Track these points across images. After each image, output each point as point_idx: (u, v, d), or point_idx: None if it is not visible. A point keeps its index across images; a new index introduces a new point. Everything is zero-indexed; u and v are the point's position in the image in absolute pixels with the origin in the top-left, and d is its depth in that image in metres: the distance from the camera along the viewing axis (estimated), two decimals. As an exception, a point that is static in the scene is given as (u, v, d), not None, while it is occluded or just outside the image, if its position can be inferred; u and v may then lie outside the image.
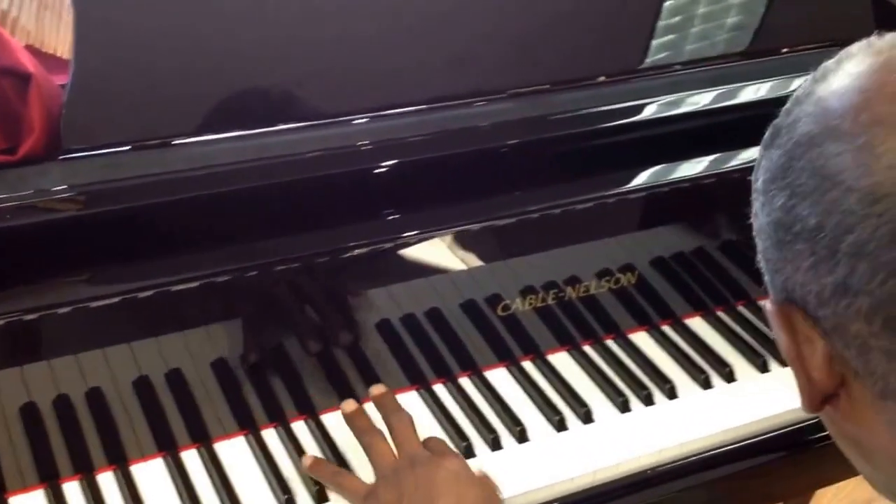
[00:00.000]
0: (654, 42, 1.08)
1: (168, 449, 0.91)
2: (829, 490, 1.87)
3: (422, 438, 0.91)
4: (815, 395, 0.57)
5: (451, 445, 0.93)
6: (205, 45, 0.92)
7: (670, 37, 1.09)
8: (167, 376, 0.89)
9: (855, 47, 0.55)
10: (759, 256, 0.58)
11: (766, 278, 0.58)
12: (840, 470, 1.12)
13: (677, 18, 1.09)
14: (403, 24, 1.00)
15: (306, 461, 0.91)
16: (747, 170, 0.98)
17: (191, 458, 0.91)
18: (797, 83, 1.01)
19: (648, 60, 1.07)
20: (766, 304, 0.58)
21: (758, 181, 0.57)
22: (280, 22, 0.95)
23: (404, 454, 0.88)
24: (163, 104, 0.89)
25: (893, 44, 0.53)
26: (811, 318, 0.54)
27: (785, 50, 1.11)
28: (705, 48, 1.10)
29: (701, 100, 1.04)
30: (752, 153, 1.00)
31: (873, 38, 0.55)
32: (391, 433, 0.91)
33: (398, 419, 0.92)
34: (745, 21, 1.12)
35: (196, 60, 0.92)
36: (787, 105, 0.57)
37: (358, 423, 0.92)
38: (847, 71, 0.53)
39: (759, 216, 0.56)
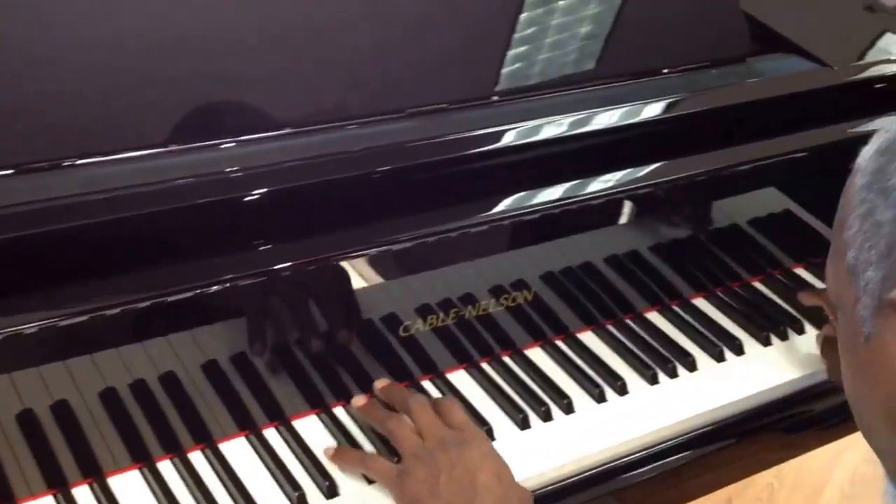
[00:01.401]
0: (539, 63, 1.10)
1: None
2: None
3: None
4: None
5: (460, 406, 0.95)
6: (63, 65, 0.88)
7: (555, 58, 1.11)
8: (51, 408, 0.86)
9: None
10: (864, 255, 0.64)
11: (875, 274, 0.63)
12: (723, 477, 1.18)
13: (562, 39, 1.12)
14: (271, 45, 0.99)
15: (328, 452, 0.93)
16: (632, 189, 1.04)
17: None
18: (679, 103, 1.08)
19: (533, 81, 1.09)
20: (891, 297, 0.62)
21: (889, 181, 0.62)
22: (141, 39, 0.92)
23: (432, 435, 0.91)
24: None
25: None
26: None
27: (666, 70, 1.15)
28: (588, 69, 1.13)
29: (587, 120, 1.05)
30: (633, 172, 1.05)
31: None
32: (412, 417, 0.93)
33: (415, 402, 0.94)
34: (628, 43, 1.15)
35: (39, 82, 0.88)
36: None
37: (374, 414, 0.95)
38: None
39: (886, 212, 0.62)
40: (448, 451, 0.89)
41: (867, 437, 0.70)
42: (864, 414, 0.69)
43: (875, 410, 0.67)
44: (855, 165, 0.67)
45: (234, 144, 0.93)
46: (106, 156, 0.88)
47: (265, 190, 0.89)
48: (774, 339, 1.14)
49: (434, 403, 0.95)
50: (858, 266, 0.64)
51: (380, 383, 0.98)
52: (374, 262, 0.95)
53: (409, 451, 0.90)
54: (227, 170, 0.89)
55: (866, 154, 0.66)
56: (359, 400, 0.97)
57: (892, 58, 1.19)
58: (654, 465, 1.04)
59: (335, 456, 0.93)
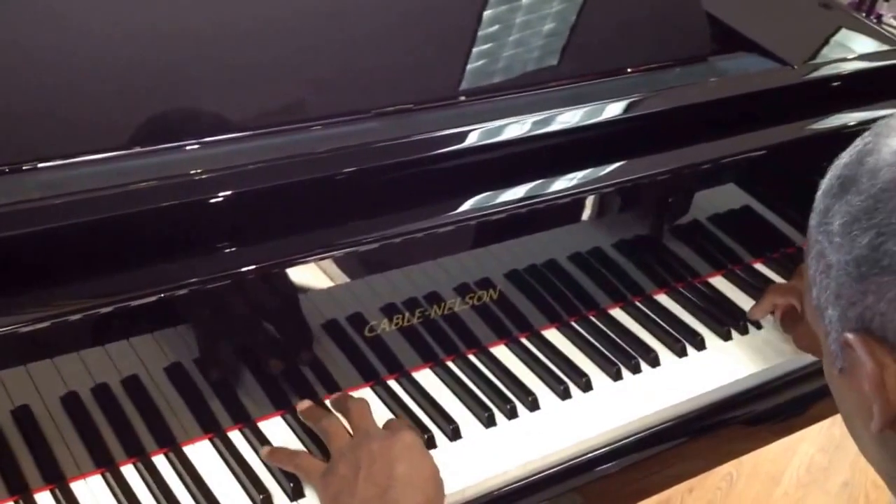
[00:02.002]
0: (504, 63, 1.10)
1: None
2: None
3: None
4: (889, 415, 0.62)
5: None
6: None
7: (520, 58, 1.11)
8: (12, 414, 0.84)
9: None
10: (823, 294, 0.64)
11: (833, 313, 0.64)
12: (688, 469, 1.19)
13: (529, 39, 1.12)
14: (234, 47, 0.98)
15: (264, 451, 0.93)
16: (595, 188, 1.05)
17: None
18: (640, 102, 1.08)
19: (499, 82, 1.09)
20: (846, 337, 0.63)
21: (831, 225, 0.63)
22: (99, 41, 0.91)
23: (360, 431, 0.92)
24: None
25: None
26: (888, 345, 0.60)
27: (629, 70, 1.15)
28: (550, 70, 1.13)
29: (552, 120, 1.05)
30: (595, 172, 1.05)
31: None
32: (346, 416, 0.95)
33: (352, 403, 0.96)
34: (589, 44, 1.16)
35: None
36: (851, 158, 0.64)
37: (312, 414, 0.96)
38: None
39: (831, 256, 0.63)
40: (371, 445, 0.89)
41: (869, 461, 0.72)
42: (861, 444, 0.70)
43: (862, 433, 0.68)
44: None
45: (197, 147, 0.92)
46: (66, 159, 0.87)
47: (229, 192, 0.88)
48: (735, 334, 1.16)
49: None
50: (821, 304, 0.66)
51: (332, 397, 0.99)
52: (340, 263, 0.95)
53: (336, 448, 0.91)
54: (192, 172, 0.88)
55: (819, 192, 0.67)
56: (303, 404, 0.97)
57: (849, 56, 1.20)
58: (619, 460, 1.05)
59: (268, 455, 0.93)
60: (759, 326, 1.17)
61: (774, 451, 2.08)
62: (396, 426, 0.94)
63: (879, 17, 2.10)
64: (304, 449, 0.95)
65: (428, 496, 0.87)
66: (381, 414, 0.99)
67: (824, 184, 0.66)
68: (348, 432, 0.93)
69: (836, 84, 1.17)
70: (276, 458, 0.93)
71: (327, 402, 0.99)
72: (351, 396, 0.99)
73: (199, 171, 0.89)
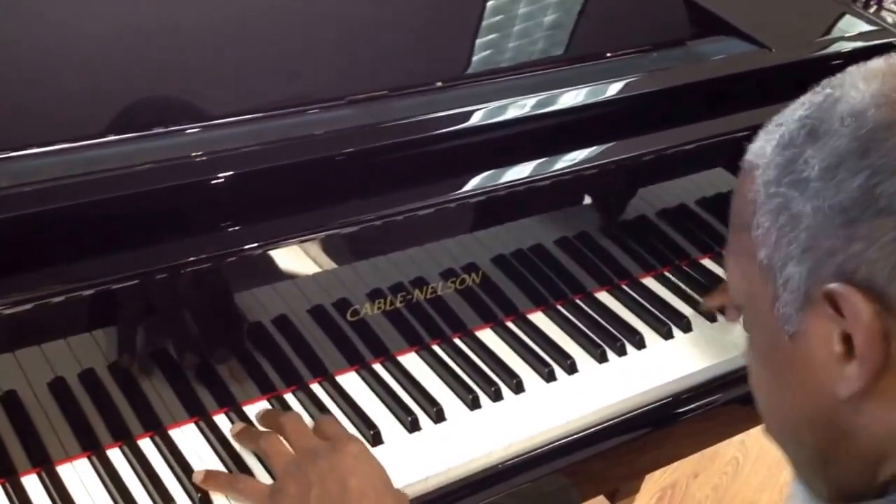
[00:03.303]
0: (486, 48, 1.12)
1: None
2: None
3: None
4: (867, 374, 0.59)
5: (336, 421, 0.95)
6: (20, 53, 0.89)
7: (501, 43, 1.12)
8: None
9: (880, 59, 0.63)
10: (782, 250, 0.61)
11: (796, 269, 0.61)
12: (674, 452, 1.20)
13: (507, 25, 1.13)
14: (234, 31, 0.99)
15: (198, 476, 0.90)
16: (577, 170, 1.06)
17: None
18: (622, 85, 1.09)
19: (480, 67, 1.10)
20: (830, 289, 0.59)
21: (803, 173, 0.60)
22: (101, 28, 0.93)
23: (302, 448, 0.90)
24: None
25: None
26: (873, 294, 0.57)
27: (608, 55, 1.16)
28: (535, 54, 1.14)
29: (531, 104, 1.07)
30: (577, 154, 1.07)
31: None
32: (283, 433, 0.92)
33: (286, 418, 0.94)
34: (569, 28, 1.16)
35: (10, 69, 0.89)
36: (811, 110, 0.62)
37: (247, 434, 0.94)
38: (893, 72, 0.61)
39: (803, 205, 0.60)
40: (319, 462, 0.87)
41: (780, 441, 0.69)
42: (783, 419, 0.68)
43: (797, 414, 0.66)
44: (745, 164, 0.66)
45: (198, 130, 0.94)
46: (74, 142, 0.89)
47: (228, 174, 0.90)
48: (720, 316, 1.16)
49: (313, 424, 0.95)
50: (774, 264, 0.63)
51: (258, 413, 0.97)
52: (324, 246, 0.96)
53: (281, 468, 0.89)
54: (192, 154, 0.90)
55: (761, 150, 0.64)
56: (235, 427, 0.95)
57: (829, 38, 1.21)
58: (605, 442, 1.06)
59: (204, 481, 0.90)
60: (745, 308, 1.18)
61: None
62: (336, 435, 0.92)
63: (880, 0, 2.09)
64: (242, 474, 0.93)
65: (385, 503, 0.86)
66: (365, 398, 1.01)
67: (778, 138, 0.63)
68: (288, 449, 0.91)
69: (815, 66, 1.18)
70: (213, 485, 0.90)
71: (255, 420, 0.97)
72: (281, 412, 0.97)
73: (199, 153, 0.90)
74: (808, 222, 0.60)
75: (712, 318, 1.16)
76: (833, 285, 0.59)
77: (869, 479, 0.63)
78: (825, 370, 0.61)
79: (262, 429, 0.95)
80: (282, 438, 0.92)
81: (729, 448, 2.13)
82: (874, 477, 0.62)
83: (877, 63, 0.63)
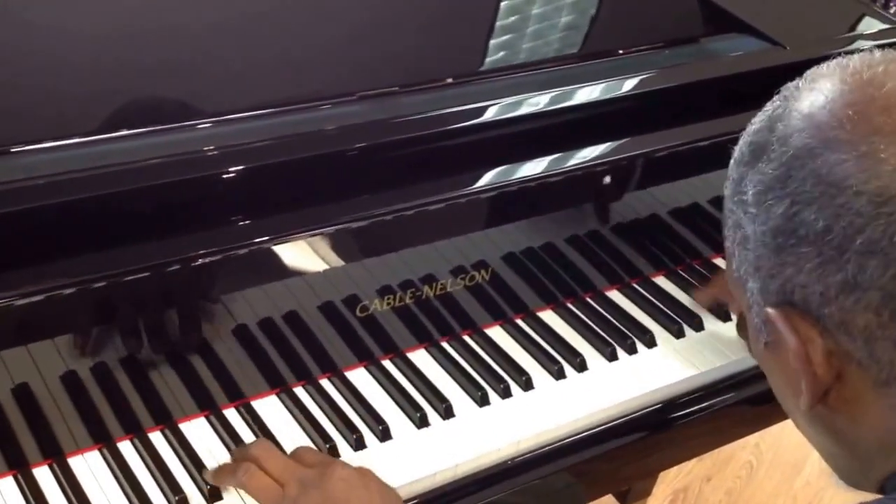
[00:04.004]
0: (498, 45, 1.12)
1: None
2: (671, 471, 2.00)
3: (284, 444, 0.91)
4: (817, 391, 0.60)
5: (314, 447, 0.94)
6: (33, 48, 0.90)
7: (514, 40, 1.12)
8: (12, 391, 0.87)
9: (824, 68, 0.62)
10: (743, 266, 0.62)
11: (754, 286, 0.62)
12: (682, 453, 1.20)
13: (520, 22, 1.13)
14: (246, 26, 1.00)
15: (208, 475, 0.89)
16: (589, 167, 1.06)
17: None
18: (634, 82, 1.09)
19: (492, 63, 1.10)
20: (767, 312, 0.61)
21: (745, 195, 0.61)
22: (114, 25, 0.94)
23: (291, 479, 0.86)
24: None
25: (869, 64, 0.60)
26: (811, 317, 0.58)
27: (621, 51, 1.16)
28: (546, 50, 1.14)
29: (543, 100, 1.07)
30: (589, 151, 1.07)
31: (843, 60, 0.62)
32: (263, 466, 0.88)
33: (261, 450, 0.89)
34: (582, 25, 1.16)
35: (25, 65, 0.90)
36: (762, 124, 0.62)
37: (226, 472, 0.90)
38: (826, 89, 0.59)
39: (748, 227, 0.61)
40: (309, 492, 0.84)
41: (797, 428, 0.70)
42: (788, 412, 0.69)
43: (795, 411, 0.67)
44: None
45: (209, 125, 0.94)
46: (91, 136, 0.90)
47: (239, 167, 0.90)
48: (733, 316, 1.16)
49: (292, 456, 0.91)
50: (741, 276, 0.63)
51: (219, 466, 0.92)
52: (335, 242, 0.97)
53: (273, 502, 0.86)
54: (204, 148, 0.91)
55: (731, 160, 0.65)
56: (208, 472, 0.90)
57: (844, 36, 1.20)
58: (614, 440, 1.06)
59: (215, 476, 0.90)
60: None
61: (796, 439, 2.06)
62: (322, 463, 0.88)
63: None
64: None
65: None
66: (375, 393, 1.02)
67: (736, 152, 0.64)
68: (271, 481, 0.87)
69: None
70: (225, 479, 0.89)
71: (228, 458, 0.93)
72: (251, 444, 0.91)
73: (211, 147, 0.91)
74: (752, 244, 0.61)
75: (725, 317, 1.15)
76: (768, 310, 0.61)
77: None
78: (794, 378, 0.62)
79: (236, 465, 0.90)
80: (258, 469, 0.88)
81: (743, 452, 2.12)
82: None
83: (824, 71, 0.62)
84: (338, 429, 0.97)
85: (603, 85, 1.08)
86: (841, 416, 0.62)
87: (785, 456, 2.14)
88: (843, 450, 0.64)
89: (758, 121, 0.63)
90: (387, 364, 1.04)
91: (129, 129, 0.92)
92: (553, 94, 1.07)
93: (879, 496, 0.61)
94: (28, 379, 0.87)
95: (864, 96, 0.58)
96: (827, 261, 0.56)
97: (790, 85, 0.63)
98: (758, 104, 1.11)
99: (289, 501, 0.85)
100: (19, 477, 0.88)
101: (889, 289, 0.55)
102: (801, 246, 0.57)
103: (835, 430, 0.64)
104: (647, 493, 1.78)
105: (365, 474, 0.88)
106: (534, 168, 1.05)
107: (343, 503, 0.84)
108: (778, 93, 0.64)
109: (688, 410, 1.10)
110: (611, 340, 1.10)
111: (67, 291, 0.83)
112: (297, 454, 0.91)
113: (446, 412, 1.00)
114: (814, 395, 0.61)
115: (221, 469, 0.90)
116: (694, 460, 2.05)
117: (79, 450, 0.91)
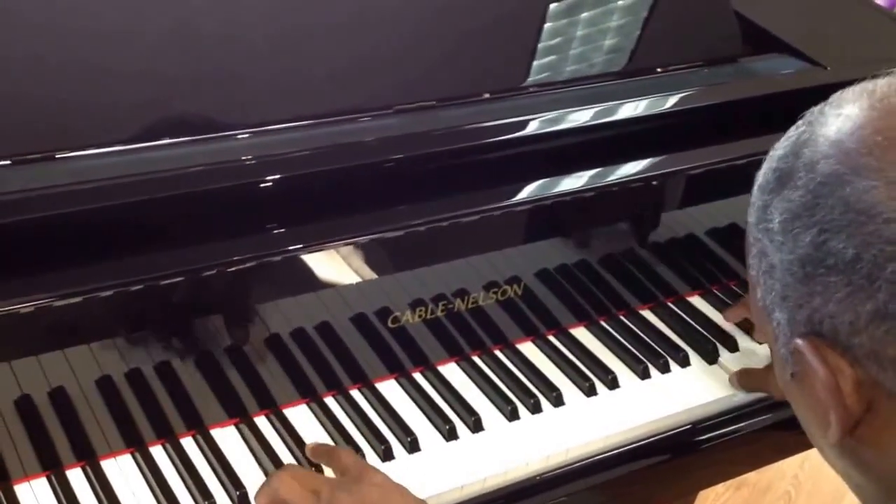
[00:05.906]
0: (537, 62, 1.12)
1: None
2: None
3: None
4: (847, 423, 0.59)
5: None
6: (83, 57, 0.92)
7: (552, 57, 1.13)
8: (48, 394, 0.88)
9: (850, 93, 0.60)
10: (769, 296, 0.61)
11: (781, 316, 0.60)
12: (717, 475, 1.18)
13: (559, 39, 1.13)
14: (287, 39, 1.02)
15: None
16: (626, 182, 1.06)
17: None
18: (672, 101, 1.09)
19: (531, 79, 1.11)
20: (795, 343, 0.59)
21: (771, 223, 0.59)
22: (160, 35, 0.96)
23: (322, 485, 0.86)
24: (45, 117, 0.89)
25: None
26: (840, 348, 0.57)
27: (659, 70, 1.16)
28: (585, 68, 1.14)
29: (581, 117, 1.07)
30: (627, 168, 1.07)
31: (868, 85, 0.60)
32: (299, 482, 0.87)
33: (284, 471, 0.89)
34: (622, 43, 1.17)
35: (75, 73, 0.92)
36: (787, 150, 0.60)
37: (265, 489, 0.88)
38: (853, 115, 0.58)
39: (773, 255, 0.59)
40: (343, 497, 0.84)
41: (825, 459, 0.69)
42: (814, 440, 0.68)
43: (820, 440, 0.65)
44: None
45: (248, 135, 0.96)
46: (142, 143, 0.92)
47: (277, 177, 0.92)
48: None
49: (327, 453, 0.93)
50: (767, 306, 0.62)
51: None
52: (369, 255, 0.97)
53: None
54: (243, 157, 0.93)
55: (756, 184, 0.64)
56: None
57: (883, 57, 1.19)
58: (645, 459, 1.05)
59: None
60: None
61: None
62: (354, 467, 0.89)
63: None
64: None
65: None
66: (404, 405, 1.02)
67: (760, 178, 0.63)
68: (303, 490, 0.86)
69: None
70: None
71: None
72: (273, 474, 0.89)
73: (249, 156, 0.93)
74: (779, 273, 0.60)
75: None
76: (797, 340, 0.59)
77: None
78: (822, 410, 0.61)
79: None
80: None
81: (782, 482, 2.08)
82: None
83: (850, 96, 0.61)
84: (366, 439, 0.98)
85: (641, 102, 1.08)
86: (870, 449, 0.60)
87: (824, 486, 2.10)
88: (871, 482, 0.62)
89: (782, 146, 0.62)
90: (417, 376, 1.05)
91: (171, 137, 0.94)
92: (590, 110, 1.07)
93: None
94: (64, 382, 0.89)
95: (893, 122, 0.57)
96: (856, 290, 0.55)
97: (814, 110, 0.62)
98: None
99: (323, 503, 0.85)
100: (52, 478, 0.90)
101: None
102: (830, 275, 0.56)
103: (863, 462, 0.62)
104: (681, 518, 1.76)
105: (398, 485, 0.88)
106: (569, 184, 1.05)
107: None
108: (802, 117, 0.63)
109: (721, 431, 1.09)
110: (643, 358, 1.10)
111: (105, 294, 0.85)
112: (335, 452, 0.92)
113: (475, 425, 1.00)
114: (843, 427, 0.59)
115: (263, 488, 0.89)
116: (731, 490, 2.01)
117: (111, 453, 0.92)
